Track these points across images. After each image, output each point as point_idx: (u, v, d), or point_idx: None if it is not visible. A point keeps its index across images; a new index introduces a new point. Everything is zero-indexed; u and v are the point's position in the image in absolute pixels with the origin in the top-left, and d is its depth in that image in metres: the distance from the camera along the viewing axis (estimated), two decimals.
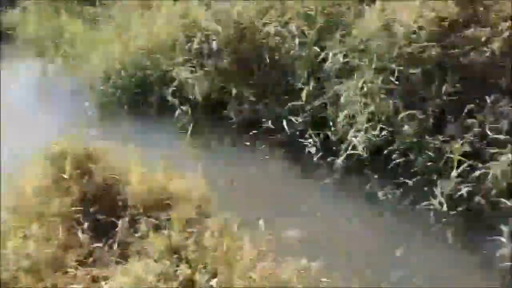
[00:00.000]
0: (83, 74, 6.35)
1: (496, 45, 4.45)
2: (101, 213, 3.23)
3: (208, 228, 3.11)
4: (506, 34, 4.45)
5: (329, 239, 3.81)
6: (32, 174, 3.29)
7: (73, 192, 3.24)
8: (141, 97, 5.80)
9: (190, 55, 5.59)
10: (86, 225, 3.12)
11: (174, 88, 5.58)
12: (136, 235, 3.14)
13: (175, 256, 2.90)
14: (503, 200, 4.03)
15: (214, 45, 5.32)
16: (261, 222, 3.27)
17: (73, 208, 3.17)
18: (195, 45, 5.44)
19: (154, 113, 5.67)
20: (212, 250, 2.92)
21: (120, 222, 3.15)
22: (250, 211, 3.74)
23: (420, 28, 4.67)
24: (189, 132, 5.14)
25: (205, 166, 3.91)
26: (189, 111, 5.42)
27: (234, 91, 5.30)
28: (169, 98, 5.59)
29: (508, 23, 4.50)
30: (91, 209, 3.22)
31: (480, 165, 4.20)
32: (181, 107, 5.45)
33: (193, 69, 5.50)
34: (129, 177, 3.44)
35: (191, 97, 5.50)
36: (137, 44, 5.94)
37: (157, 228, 3.14)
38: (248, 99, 5.25)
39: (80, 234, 3.03)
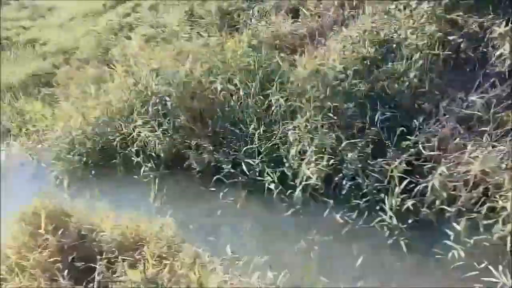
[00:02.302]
0: (48, 148, 6.67)
1: (412, 74, 5.17)
2: (79, 260, 3.47)
3: (180, 260, 3.41)
4: (419, 63, 5.20)
5: (294, 262, 4.18)
6: (9, 233, 3.52)
7: (50, 244, 3.48)
8: (106, 160, 6.13)
9: (148, 117, 6.02)
10: (66, 272, 3.35)
11: (137, 148, 5.95)
12: (114, 275, 3.39)
13: (153, 286, 3.16)
14: (445, 208, 4.53)
15: (168, 105, 5.81)
16: (228, 248, 3.59)
17: (52, 259, 3.40)
18: (151, 108, 5.89)
19: (121, 172, 5.99)
20: (185, 277, 3.21)
21: (98, 267, 3.40)
22: (219, 246, 4.09)
23: (345, 68, 5.35)
24: (156, 184, 5.44)
25: (174, 212, 4.29)
26: (153, 167, 5.77)
27: (193, 143, 5.73)
28: (133, 157, 5.94)
29: (419, 54, 5.26)
30: (70, 258, 3.45)
31: (420, 180, 4.74)
32: (146, 164, 5.80)
33: (152, 128, 5.91)
34: (103, 225, 3.73)
35: (153, 154, 5.87)
36: (96, 114, 6.35)
37: (133, 266, 3.40)
38: (207, 149, 5.68)
39: (61, 280, 3.24)
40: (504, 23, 5.09)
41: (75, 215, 3.79)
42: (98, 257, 3.47)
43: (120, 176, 5.96)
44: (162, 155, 5.84)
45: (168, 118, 5.92)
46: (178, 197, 5.33)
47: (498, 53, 5.01)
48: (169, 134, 5.89)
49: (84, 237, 3.61)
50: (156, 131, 5.87)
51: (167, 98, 5.86)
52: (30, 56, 10.57)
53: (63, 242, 3.52)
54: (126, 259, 3.44)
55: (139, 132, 5.93)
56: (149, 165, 5.79)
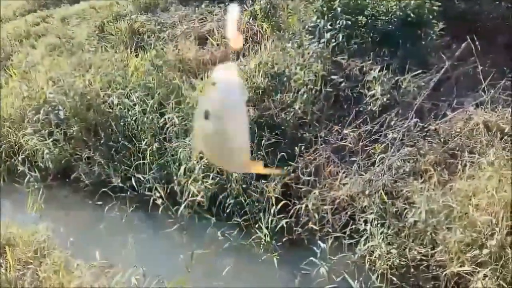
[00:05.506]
0: None
1: (297, 106, 5.67)
2: None
3: (45, 265, 3.41)
4: (304, 96, 5.72)
5: (168, 271, 4.32)
6: None
7: None
8: None
9: (39, 125, 5.90)
10: None
11: (24, 157, 5.79)
12: None
13: None
14: (315, 228, 4.95)
15: (61, 114, 5.76)
16: (97, 254, 3.66)
17: None
18: (42, 116, 5.80)
19: (4, 181, 5.77)
20: (47, 280, 3.22)
21: None
22: (92, 253, 4.10)
23: None
24: (38, 194, 5.31)
25: (52, 222, 4.25)
26: (39, 177, 5.63)
27: (84, 155, 5.70)
28: (19, 166, 5.76)
29: (305, 88, 5.78)
30: None
31: (297, 202, 5.14)
32: (31, 173, 5.64)
33: (42, 138, 5.80)
34: None
35: (41, 164, 5.74)
36: None
37: None
38: (98, 162, 5.68)
39: None
40: (378, 68, 5.80)
41: None
42: None
43: (2, 185, 5.73)
44: (50, 165, 5.73)
45: (60, 128, 5.85)
46: (60, 208, 5.26)
47: (371, 93, 5.67)
48: (60, 145, 5.81)
49: None
50: (46, 141, 5.77)
51: (60, 107, 5.81)
52: None
53: None
54: None
55: (27, 140, 5.78)
56: (35, 174, 5.65)
